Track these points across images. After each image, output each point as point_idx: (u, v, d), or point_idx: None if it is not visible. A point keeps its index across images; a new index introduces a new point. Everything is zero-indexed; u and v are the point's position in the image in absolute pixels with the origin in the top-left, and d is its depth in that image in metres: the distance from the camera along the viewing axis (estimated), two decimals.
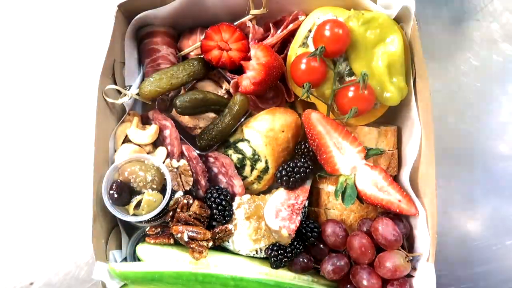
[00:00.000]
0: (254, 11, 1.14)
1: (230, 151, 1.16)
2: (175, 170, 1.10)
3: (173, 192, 1.09)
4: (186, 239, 1.06)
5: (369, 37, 1.07)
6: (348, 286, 1.08)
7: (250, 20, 1.16)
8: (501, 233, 1.29)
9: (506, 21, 1.39)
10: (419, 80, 1.10)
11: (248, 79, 1.10)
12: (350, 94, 1.05)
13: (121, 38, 1.13)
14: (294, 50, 1.13)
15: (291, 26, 1.16)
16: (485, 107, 1.36)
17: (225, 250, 1.14)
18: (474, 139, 1.34)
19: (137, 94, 1.12)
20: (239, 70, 1.16)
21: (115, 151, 1.13)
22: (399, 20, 1.12)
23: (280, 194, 1.11)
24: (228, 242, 1.11)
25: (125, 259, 1.14)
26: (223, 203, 1.10)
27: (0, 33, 1.40)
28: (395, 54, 1.07)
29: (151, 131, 1.13)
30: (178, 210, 1.09)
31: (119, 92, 1.11)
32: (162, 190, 1.07)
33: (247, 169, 1.15)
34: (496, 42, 1.38)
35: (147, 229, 1.11)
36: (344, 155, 1.07)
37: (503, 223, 1.30)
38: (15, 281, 1.27)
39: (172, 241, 1.10)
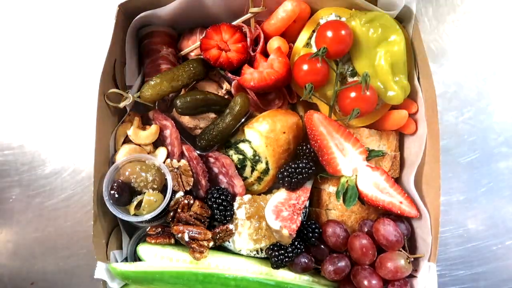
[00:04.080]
0: (253, 9, 1.14)
1: (231, 152, 1.16)
2: (175, 170, 1.10)
3: (174, 192, 1.09)
4: (186, 239, 1.05)
5: (371, 37, 1.06)
6: (349, 286, 1.08)
7: (250, 18, 1.16)
8: (501, 233, 1.30)
9: (505, 21, 1.39)
10: (423, 79, 1.10)
11: (261, 73, 1.10)
12: (352, 95, 1.05)
13: (122, 38, 1.12)
14: (298, 50, 1.13)
15: None
16: (485, 107, 1.36)
17: (225, 250, 1.14)
18: (474, 139, 1.34)
19: (138, 97, 1.12)
20: (237, 71, 1.16)
21: (115, 151, 1.13)
22: (401, 20, 1.12)
23: (281, 194, 1.11)
24: (229, 242, 1.11)
25: (125, 259, 1.14)
26: (224, 203, 1.10)
27: (0, 33, 1.39)
28: (398, 53, 1.06)
29: (151, 131, 1.13)
30: (179, 210, 1.09)
31: (121, 94, 1.11)
32: (163, 190, 1.07)
33: (248, 169, 1.15)
34: (496, 41, 1.38)
35: (147, 229, 1.11)
36: (345, 156, 1.07)
37: (504, 223, 1.30)
38: (15, 281, 1.27)
39: (172, 241, 1.10)
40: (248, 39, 1.15)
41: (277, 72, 1.09)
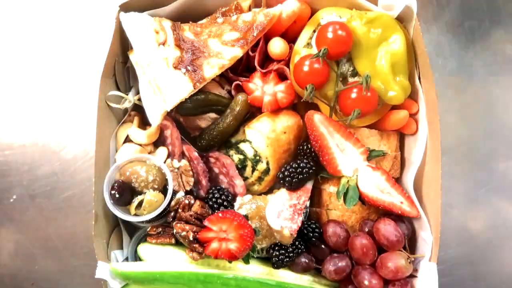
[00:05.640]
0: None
1: (232, 152, 1.16)
2: (176, 170, 1.10)
3: (174, 192, 1.09)
4: (191, 238, 1.05)
5: (372, 37, 1.06)
6: (350, 286, 1.08)
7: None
8: (501, 233, 1.30)
9: (507, 22, 1.39)
10: (424, 80, 1.10)
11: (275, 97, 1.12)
12: (353, 95, 1.05)
13: (122, 38, 1.13)
14: (298, 50, 1.13)
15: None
16: (486, 107, 1.36)
17: None
18: (474, 139, 1.34)
19: (139, 99, 1.12)
20: (240, 71, 1.16)
21: (116, 151, 1.13)
22: (401, 20, 1.12)
23: (282, 194, 1.11)
24: None
25: (126, 259, 1.14)
26: (225, 203, 1.10)
27: (1, 33, 1.40)
28: (398, 53, 1.06)
29: (152, 131, 1.13)
30: (180, 210, 1.08)
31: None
32: (164, 191, 1.07)
33: (248, 170, 1.15)
34: (497, 42, 1.38)
35: (148, 229, 1.11)
36: (346, 156, 1.07)
37: (504, 223, 1.30)
38: (17, 281, 1.28)
39: (173, 241, 1.10)
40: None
41: (281, 102, 1.12)
